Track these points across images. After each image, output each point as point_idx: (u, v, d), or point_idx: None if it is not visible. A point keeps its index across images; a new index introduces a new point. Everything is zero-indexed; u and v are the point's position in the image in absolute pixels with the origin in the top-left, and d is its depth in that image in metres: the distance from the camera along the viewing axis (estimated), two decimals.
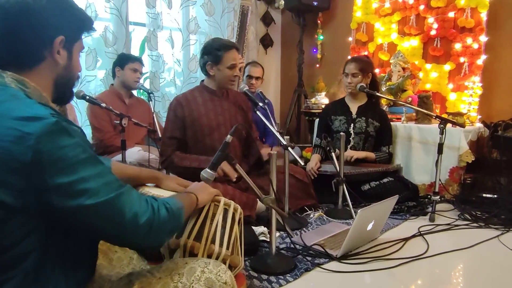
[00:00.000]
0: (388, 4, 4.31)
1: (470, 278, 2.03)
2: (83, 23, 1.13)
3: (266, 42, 5.61)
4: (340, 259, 2.06)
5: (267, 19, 5.54)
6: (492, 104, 3.76)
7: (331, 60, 5.14)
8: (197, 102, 2.72)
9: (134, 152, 3.19)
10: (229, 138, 1.73)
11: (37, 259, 0.95)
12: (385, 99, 3.78)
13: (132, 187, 1.06)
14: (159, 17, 4.20)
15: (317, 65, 5.33)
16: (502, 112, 3.61)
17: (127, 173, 1.51)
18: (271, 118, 3.40)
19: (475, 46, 3.69)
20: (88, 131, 3.44)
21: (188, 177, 1.65)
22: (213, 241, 1.38)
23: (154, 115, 3.35)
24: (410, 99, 3.69)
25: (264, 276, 1.88)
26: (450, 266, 2.09)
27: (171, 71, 4.52)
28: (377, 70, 4.26)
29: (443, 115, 3.14)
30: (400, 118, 3.67)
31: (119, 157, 2.83)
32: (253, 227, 2.34)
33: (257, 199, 2.51)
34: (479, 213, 2.84)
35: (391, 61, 4.13)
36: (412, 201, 3.02)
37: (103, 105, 2.73)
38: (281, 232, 2.42)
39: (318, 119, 3.72)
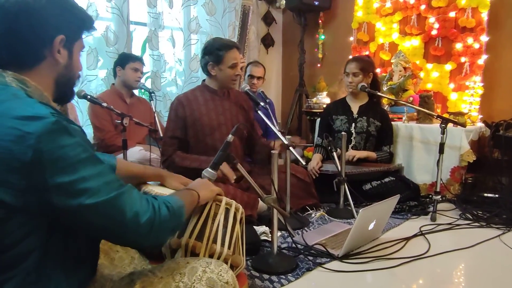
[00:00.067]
0: (389, 4, 4.31)
1: (472, 277, 2.03)
2: (84, 22, 1.13)
3: (267, 41, 5.61)
4: (342, 258, 2.06)
5: (268, 19, 5.54)
6: (493, 104, 3.75)
7: (332, 60, 5.14)
8: (198, 101, 2.72)
9: (135, 152, 3.19)
10: (230, 137, 1.73)
11: (37, 258, 0.95)
12: (386, 99, 3.78)
13: (133, 187, 1.06)
14: (160, 17, 4.20)
15: (318, 65, 5.33)
16: (503, 112, 3.60)
17: (132, 170, 1.52)
18: (273, 118, 3.39)
19: (476, 46, 3.69)
20: (89, 131, 3.45)
21: (189, 177, 1.66)
22: (214, 241, 1.38)
23: (155, 114, 3.35)
24: (411, 98, 3.69)
25: (266, 276, 1.88)
26: (452, 265, 2.09)
27: (172, 70, 4.52)
28: (378, 70, 4.26)
29: (444, 115, 3.14)
30: (402, 118, 3.67)
31: (120, 156, 2.82)
32: (254, 227, 2.35)
33: (259, 199, 2.51)
34: (481, 212, 2.84)
35: (392, 61, 4.13)
36: (414, 200, 3.01)
37: (104, 104, 2.73)
38: (283, 232, 2.42)
39: (319, 119, 3.72)
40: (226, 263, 1.36)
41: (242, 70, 3.66)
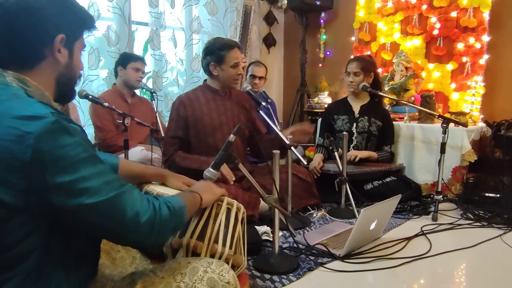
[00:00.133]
0: (391, 4, 4.30)
1: (473, 277, 2.02)
2: (84, 21, 1.13)
3: (269, 41, 5.61)
4: (343, 258, 2.06)
5: (270, 19, 5.54)
6: (494, 104, 3.75)
7: (334, 60, 5.14)
8: (200, 101, 2.72)
9: (137, 152, 3.19)
10: (232, 137, 1.73)
11: (38, 258, 0.95)
12: (388, 99, 3.78)
13: (133, 186, 1.06)
14: (162, 17, 4.20)
15: (320, 65, 5.33)
16: (504, 112, 3.60)
17: (133, 170, 1.52)
18: (274, 118, 3.40)
19: (478, 45, 3.69)
20: (90, 131, 3.45)
21: (191, 177, 1.66)
22: (216, 241, 1.38)
23: (156, 114, 3.35)
24: (412, 98, 3.69)
25: (267, 276, 1.88)
26: (453, 265, 2.08)
27: (174, 70, 4.53)
28: (380, 70, 4.26)
29: (445, 115, 3.13)
30: (403, 118, 3.67)
31: (121, 156, 2.82)
32: (256, 227, 2.35)
33: (260, 199, 2.51)
34: (482, 212, 2.84)
35: (393, 61, 4.13)
36: (415, 200, 3.01)
37: (106, 104, 2.73)
38: (284, 232, 2.42)
39: (320, 119, 3.72)
40: (228, 263, 1.36)
41: (243, 69, 3.67)
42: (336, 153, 2.78)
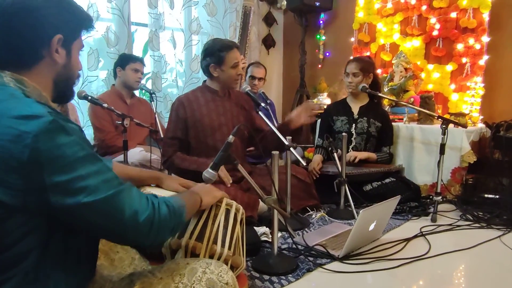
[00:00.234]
0: (390, 5, 4.31)
1: (472, 278, 2.02)
2: (82, 21, 1.13)
3: (268, 42, 5.61)
4: (342, 259, 2.06)
5: (269, 20, 5.54)
6: (494, 105, 3.75)
7: (333, 61, 5.14)
8: (199, 102, 2.72)
9: (136, 153, 3.18)
10: (231, 138, 1.73)
11: (37, 258, 0.95)
12: (387, 100, 3.78)
13: (132, 185, 1.06)
14: (161, 18, 4.21)
15: (319, 66, 5.33)
16: (504, 113, 3.60)
17: (129, 173, 1.52)
18: (273, 119, 3.40)
19: (477, 46, 3.68)
20: (89, 132, 3.45)
21: (190, 178, 1.66)
22: (215, 242, 1.38)
23: (156, 115, 3.35)
24: (412, 99, 3.69)
25: (266, 277, 1.88)
26: (452, 266, 2.08)
27: (173, 71, 4.53)
28: (379, 71, 4.26)
29: (445, 116, 3.14)
30: (402, 119, 3.67)
31: (121, 157, 2.83)
32: (255, 228, 2.34)
33: (259, 200, 2.51)
34: (481, 213, 2.84)
35: (393, 62, 4.13)
36: (414, 201, 3.01)
37: (105, 105, 2.73)
38: (283, 233, 2.42)
39: (320, 120, 3.72)
40: (226, 264, 1.36)
41: (243, 70, 3.67)
42: (335, 154, 2.78)
